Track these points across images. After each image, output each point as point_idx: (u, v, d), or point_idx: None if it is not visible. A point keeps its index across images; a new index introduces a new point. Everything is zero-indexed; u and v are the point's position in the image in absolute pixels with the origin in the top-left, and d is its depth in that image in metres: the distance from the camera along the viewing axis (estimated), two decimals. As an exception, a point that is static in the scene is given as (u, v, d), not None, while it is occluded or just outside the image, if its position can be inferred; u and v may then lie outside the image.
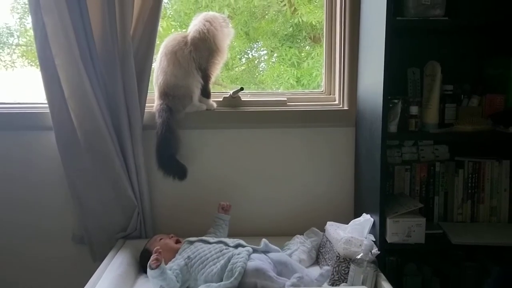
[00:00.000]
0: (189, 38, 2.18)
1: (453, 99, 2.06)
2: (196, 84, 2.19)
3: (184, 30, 2.54)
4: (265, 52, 3.03)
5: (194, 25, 2.20)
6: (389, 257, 2.12)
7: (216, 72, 2.27)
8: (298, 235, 2.16)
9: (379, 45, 1.86)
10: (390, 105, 1.97)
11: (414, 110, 2.00)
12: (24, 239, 2.36)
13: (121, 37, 2.07)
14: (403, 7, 1.91)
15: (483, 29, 2.11)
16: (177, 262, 1.87)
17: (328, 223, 2.10)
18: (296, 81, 2.85)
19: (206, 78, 2.23)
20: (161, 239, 2.05)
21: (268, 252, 1.93)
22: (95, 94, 2.07)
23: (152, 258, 1.73)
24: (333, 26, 2.38)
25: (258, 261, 1.81)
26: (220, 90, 2.54)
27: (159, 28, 2.61)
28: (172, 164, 2.21)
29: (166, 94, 2.17)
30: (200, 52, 2.17)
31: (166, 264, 1.87)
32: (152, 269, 1.72)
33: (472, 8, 1.95)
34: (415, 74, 2.15)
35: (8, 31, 2.68)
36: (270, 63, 2.97)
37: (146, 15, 2.10)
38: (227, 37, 2.24)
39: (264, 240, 1.98)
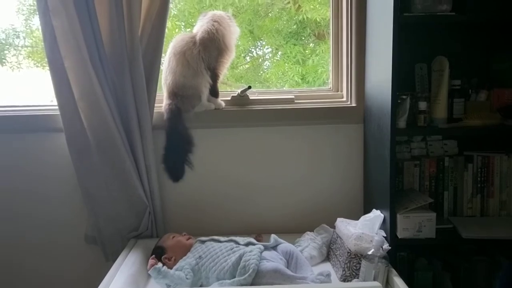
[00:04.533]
0: (197, 38, 2.18)
1: (461, 94, 2.05)
2: (205, 84, 2.20)
3: (189, 29, 2.55)
4: (269, 50, 3.03)
5: (202, 25, 2.20)
6: (400, 252, 2.11)
7: (224, 71, 2.28)
8: (309, 232, 2.17)
9: (386, 41, 1.86)
10: (399, 101, 1.97)
11: (422, 105, 2.00)
12: (36, 239, 2.38)
13: (129, 38, 2.07)
14: (410, 3, 1.91)
15: (490, 24, 2.11)
16: (188, 261, 1.89)
17: (338, 219, 2.10)
18: (301, 79, 2.85)
19: (214, 77, 2.24)
20: (173, 237, 2.07)
21: (278, 245, 1.97)
22: (105, 95, 2.08)
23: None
24: (339, 23, 2.38)
25: (274, 262, 1.83)
26: (225, 89, 2.54)
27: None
28: (177, 165, 2.26)
29: (175, 94, 2.18)
30: (209, 52, 2.17)
31: (177, 261, 1.91)
32: (148, 271, 1.84)
33: (479, 2, 1.94)
34: (423, 69, 2.15)
35: (14, 33, 2.69)
36: (275, 60, 2.97)
37: (153, 15, 2.11)
38: (235, 35, 2.25)
39: (273, 235, 2.01)
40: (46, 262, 2.40)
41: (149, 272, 1.83)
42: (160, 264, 1.83)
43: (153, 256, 1.93)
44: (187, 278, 1.81)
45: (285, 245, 1.97)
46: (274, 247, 1.96)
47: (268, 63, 3.02)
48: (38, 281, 2.41)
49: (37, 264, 2.40)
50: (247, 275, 1.75)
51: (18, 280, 2.42)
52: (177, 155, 2.24)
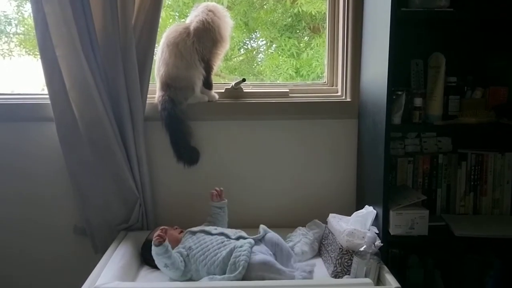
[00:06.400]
0: (191, 28, 2.15)
1: (456, 91, 2.05)
2: (198, 75, 2.18)
3: (183, 20, 2.52)
4: (264, 42, 3.01)
5: (196, 16, 2.17)
6: (392, 249, 2.12)
7: (218, 62, 2.26)
8: (300, 227, 2.16)
9: (383, 36, 1.85)
10: (394, 97, 1.96)
11: (418, 102, 1.99)
12: (24, 231, 2.35)
13: (123, 27, 2.05)
14: (408, -2, 1.90)
15: (488, 21, 2.10)
16: (179, 249, 1.88)
17: (331, 215, 2.10)
18: (295, 72, 2.84)
19: (208, 69, 2.22)
20: (165, 230, 2.05)
21: (265, 235, 1.95)
22: (97, 85, 2.05)
23: (155, 235, 1.79)
24: (336, 17, 2.36)
25: (263, 254, 1.81)
26: (218, 81, 2.52)
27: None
28: (189, 153, 2.26)
29: (168, 85, 2.16)
30: (203, 43, 2.15)
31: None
32: (155, 246, 1.77)
33: (477, -1, 1.94)
34: (418, 65, 2.14)
35: (6, 20, 2.65)
36: (269, 53, 2.95)
37: (147, 5, 2.08)
38: (229, 26, 2.22)
39: (261, 225, 1.99)
40: (34, 253, 2.37)
41: (155, 244, 1.77)
42: (167, 242, 1.80)
43: (163, 229, 1.88)
44: (181, 262, 1.82)
45: (271, 236, 1.95)
46: (261, 239, 1.94)
47: (262, 56, 3.01)
48: (26, 272, 2.39)
49: (25, 255, 2.38)
50: (237, 272, 1.73)
51: (6, 272, 2.39)
52: (182, 142, 2.23)
